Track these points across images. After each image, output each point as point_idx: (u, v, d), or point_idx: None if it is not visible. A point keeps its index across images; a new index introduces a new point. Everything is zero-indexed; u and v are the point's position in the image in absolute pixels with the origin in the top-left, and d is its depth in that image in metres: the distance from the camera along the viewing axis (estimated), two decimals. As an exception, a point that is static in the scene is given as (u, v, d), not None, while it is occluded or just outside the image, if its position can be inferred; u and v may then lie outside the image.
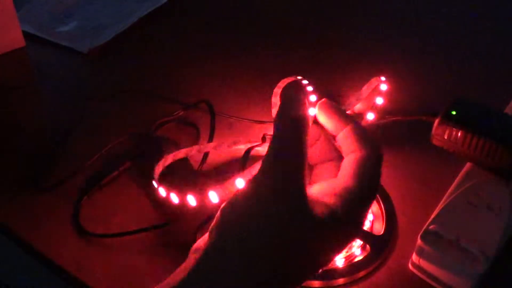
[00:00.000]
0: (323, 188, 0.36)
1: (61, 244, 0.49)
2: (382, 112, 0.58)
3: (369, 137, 0.36)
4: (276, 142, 0.34)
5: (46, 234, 0.50)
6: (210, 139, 0.58)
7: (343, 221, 0.33)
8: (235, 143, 0.55)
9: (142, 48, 0.77)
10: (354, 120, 0.37)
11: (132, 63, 0.74)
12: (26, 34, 0.75)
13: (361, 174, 0.35)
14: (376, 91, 0.59)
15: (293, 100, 0.36)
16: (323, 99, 0.38)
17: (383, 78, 0.59)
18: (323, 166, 0.40)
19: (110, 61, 0.74)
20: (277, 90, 0.50)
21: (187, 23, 0.81)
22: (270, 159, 0.34)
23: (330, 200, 0.34)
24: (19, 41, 0.75)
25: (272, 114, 0.41)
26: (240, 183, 0.38)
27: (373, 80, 0.59)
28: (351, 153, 0.36)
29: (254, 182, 0.33)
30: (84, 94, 0.68)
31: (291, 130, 0.35)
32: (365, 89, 0.61)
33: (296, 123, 0.35)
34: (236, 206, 0.33)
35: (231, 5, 0.85)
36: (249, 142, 0.54)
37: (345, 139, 0.37)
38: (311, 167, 0.39)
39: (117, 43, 0.76)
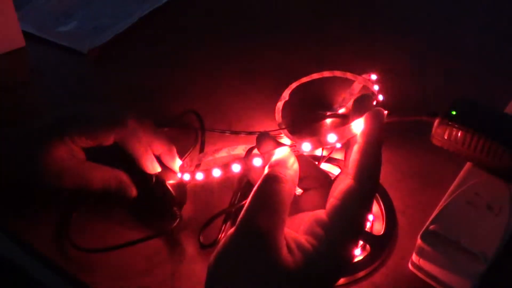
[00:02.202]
0: (305, 223, 0.36)
1: (61, 247, 0.50)
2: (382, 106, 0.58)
3: (370, 168, 0.35)
4: (254, 201, 0.35)
5: (45, 237, 0.50)
6: (202, 149, 0.58)
7: (320, 265, 0.34)
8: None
9: (142, 48, 0.77)
10: (375, 143, 0.36)
11: (132, 63, 0.74)
12: (26, 34, 0.75)
13: (344, 210, 0.35)
14: (369, 86, 0.59)
15: (281, 160, 0.37)
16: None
17: (374, 77, 0.59)
18: (309, 193, 0.40)
19: (110, 61, 0.74)
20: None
21: (187, 24, 0.81)
22: (246, 217, 0.34)
23: (310, 239, 0.34)
24: (19, 41, 0.75)
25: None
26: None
27: (364, 76, 0.60)
28: (346, 178, 0.36)
29: (233, 240, 0.34)
30: (84, 94, 0.68)
31: (270, 189, 0.35)
32: (356, 84, 0.61)
33: (276, 182, 0.35)
34: (220, 265, 0.34)
35: (231, 5, 0.85)
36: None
37: (352, 158, 0.36)
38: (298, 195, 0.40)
39: (117, 43, 0.76)
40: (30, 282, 0.51)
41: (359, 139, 0.36)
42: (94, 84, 0.70)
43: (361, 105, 0.38)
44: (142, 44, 0.77)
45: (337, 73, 0.59)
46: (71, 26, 0.80)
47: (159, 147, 0.51)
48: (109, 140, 0.49)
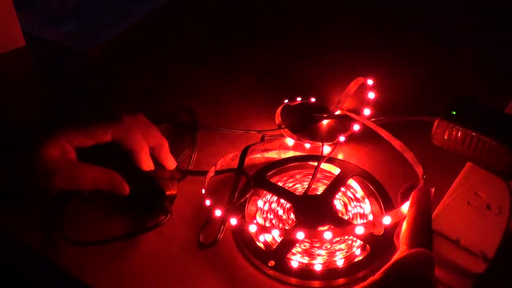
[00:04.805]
0: None
1: (60, 246, 0.49)
2: (377, 107, 0.59)
3: (422, 238, 0.39)
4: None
5: (44, 237, 0.50)
6: (194, 147, 0.58)
7: None
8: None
9: (141, 48, 0.77)
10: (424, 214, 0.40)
11: (131, 63, 0.74)
12: (26, 34, 0.75)
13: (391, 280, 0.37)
14: (364, 88, 0.59)
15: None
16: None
17: (370, 82, 0.60)
18: None
19: (110, 61, 0.74)
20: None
21: (187, 24, 0.81)
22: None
23: None
24: (19, 41, 0.75)
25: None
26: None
27: (359, 78, 0.60)
28: (401, 247, 0.39)
29: None
30: (83, 94, 0.68)
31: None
32: (352, 86, 0.61)
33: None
34: None
35: (231, 6, 0.85)
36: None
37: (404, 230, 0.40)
38: None
39: (117, 43, 0.76)
40: (24, 277, 0.51)
41: (408, 212, 0.41)
42: (93, 84, 0.70)
43: (409, 193, 0.43)
44: (142, 44, 0.77)
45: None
46: (71, 26, 0.80)
47: (152, 140, 0.51)
48: (106, 137, 0.49)
